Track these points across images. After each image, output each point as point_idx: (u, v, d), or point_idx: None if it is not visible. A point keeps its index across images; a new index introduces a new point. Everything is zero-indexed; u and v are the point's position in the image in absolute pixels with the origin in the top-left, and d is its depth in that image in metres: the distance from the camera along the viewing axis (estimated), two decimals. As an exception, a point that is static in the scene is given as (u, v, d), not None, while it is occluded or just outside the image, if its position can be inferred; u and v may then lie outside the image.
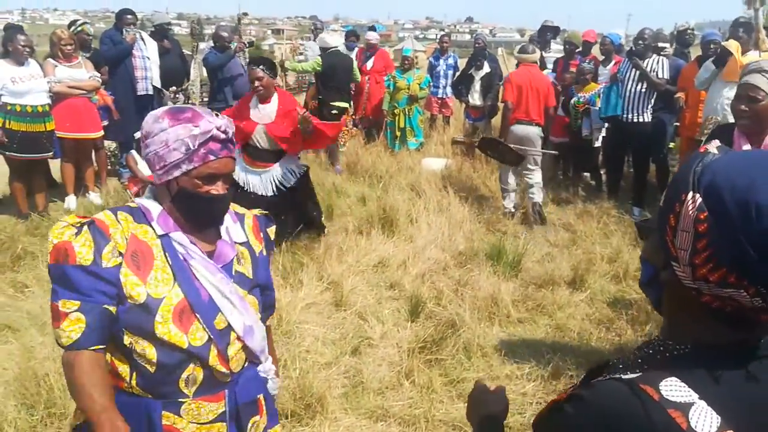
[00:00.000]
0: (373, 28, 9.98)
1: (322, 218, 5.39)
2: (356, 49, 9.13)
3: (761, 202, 0.72)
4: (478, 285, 4.39)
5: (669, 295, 0.87)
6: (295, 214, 5.00)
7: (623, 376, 0.81)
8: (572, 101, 6.76)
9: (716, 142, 0.84)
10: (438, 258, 4.94)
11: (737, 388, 0.77)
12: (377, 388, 3.29)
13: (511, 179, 6.21)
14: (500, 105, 6.93)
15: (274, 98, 4.67)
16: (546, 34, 8.57)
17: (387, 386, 3.32)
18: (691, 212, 0.76)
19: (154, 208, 1.48)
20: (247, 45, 8.54)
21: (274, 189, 4.82)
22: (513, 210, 6.20)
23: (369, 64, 8.90)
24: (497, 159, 6.33)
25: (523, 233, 5.68)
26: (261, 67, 4.53)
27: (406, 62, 8.29)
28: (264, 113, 4.66)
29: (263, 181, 4.81)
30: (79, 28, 6.70)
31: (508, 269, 4.75)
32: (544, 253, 5.27)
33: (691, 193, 0.76)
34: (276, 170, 4.83)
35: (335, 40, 8.25)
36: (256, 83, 4.56)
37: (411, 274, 4.61)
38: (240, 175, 4.81)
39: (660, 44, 6.57)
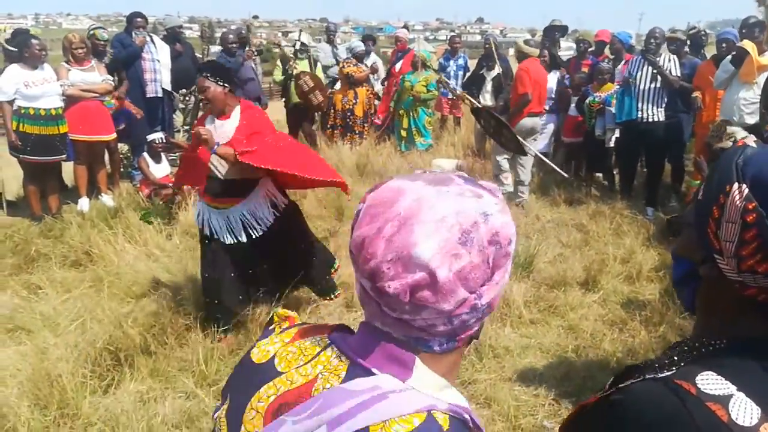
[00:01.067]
0: (405, 27, 10.01)
1: (332, 271, 4.09)
2: (372, 54, 9.15)
3: None
4: (490, 286, 4.36)
5: (707, 290, 0.86)
6: (282, 268, 3.87)
7: (657, 375, 0.79)
8: (587, 100, 6.72)
9: (752, 137, 0.85)
10: (449, 259, 4.90)
11: None
12: (388, 389, 3.27)
13: (504, 163, 6.42)
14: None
15: (236, 112, 3.57)
16: (554, 33, 8.52)
17: (398, 388, 3.30)
18: (738, 202, 0.76)
19: (463, 401, 0.79)
20: (255, 53, 8.29)
21: (250, 233, 3.65)
22: (511, 189, 6.39)
23: (398, 66, 8.91)
24: (493, 136, 6.37)
25: (534, 234, 5.64)
26: (206, 74, 3.49)
27: (416, 61, 8.29)
28: (221, 132, 3.53)
29: (232, 222, 3.63)
30: (91, 33, 6.75)
31: (519, 270, 4.71)
32: (557, 254, 5.23)
33: (736, 184, 0.76)
34: (247, 206, 3.63)
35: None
36: (201, 96, 3.63)
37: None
38: (205, 219, 3.69)
39: (680, 35, 6.60)
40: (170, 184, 6.15)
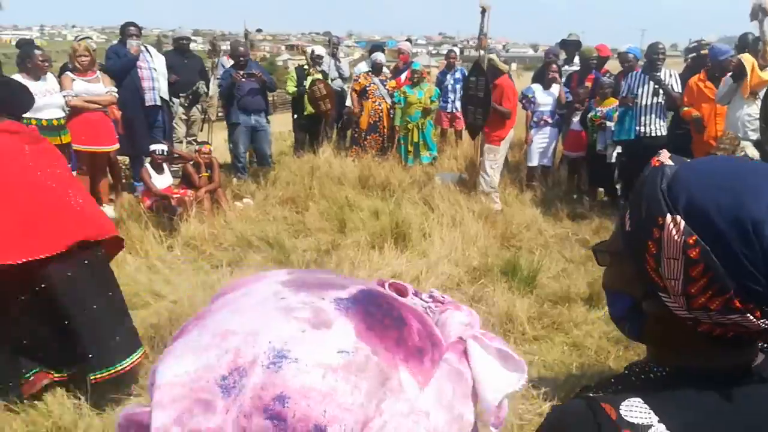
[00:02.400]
0: (408, 40, 10.08)
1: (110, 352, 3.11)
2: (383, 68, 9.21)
3: (756, 217, 0.66)
4: (493, 301, 4.33)
5: (655, 327, 0.79)
6: (54, 338, 3.02)
7: (590, 395, 0.77)
8: (589, 115, 6.72)
9: (666, 152, 0.79)
10: (451, 273, 4.87)
11: (709, 414, 0.72)
12: (390, 405, 3.22)
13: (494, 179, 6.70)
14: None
15: None
16: (571, 48, 8.57)
17: (400, 404, 3.25)
18: (676, 237, 0.68)
19: None
20: (243, 77, 7.39)
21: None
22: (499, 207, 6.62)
23: (403, 77, 8.98)
24: (469, 99, 6.85)
25: (537, 249, 5.60)
26: None
27: (416, 76, 8.33)
28: None
29: None
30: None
31: (523, 285, 4.67)
32: (560, 269, 5.19)
33: (669, 216, 0.69)
34: None
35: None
36: None
37: (424, 289, 4.54)
38: None
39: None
40: (172, 195, 6.14)
